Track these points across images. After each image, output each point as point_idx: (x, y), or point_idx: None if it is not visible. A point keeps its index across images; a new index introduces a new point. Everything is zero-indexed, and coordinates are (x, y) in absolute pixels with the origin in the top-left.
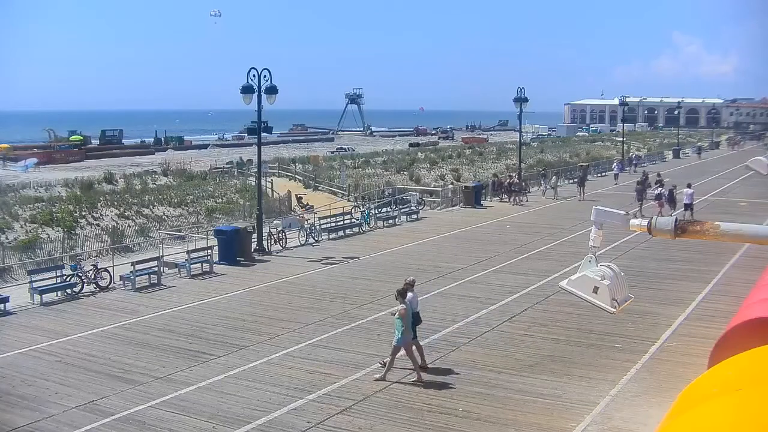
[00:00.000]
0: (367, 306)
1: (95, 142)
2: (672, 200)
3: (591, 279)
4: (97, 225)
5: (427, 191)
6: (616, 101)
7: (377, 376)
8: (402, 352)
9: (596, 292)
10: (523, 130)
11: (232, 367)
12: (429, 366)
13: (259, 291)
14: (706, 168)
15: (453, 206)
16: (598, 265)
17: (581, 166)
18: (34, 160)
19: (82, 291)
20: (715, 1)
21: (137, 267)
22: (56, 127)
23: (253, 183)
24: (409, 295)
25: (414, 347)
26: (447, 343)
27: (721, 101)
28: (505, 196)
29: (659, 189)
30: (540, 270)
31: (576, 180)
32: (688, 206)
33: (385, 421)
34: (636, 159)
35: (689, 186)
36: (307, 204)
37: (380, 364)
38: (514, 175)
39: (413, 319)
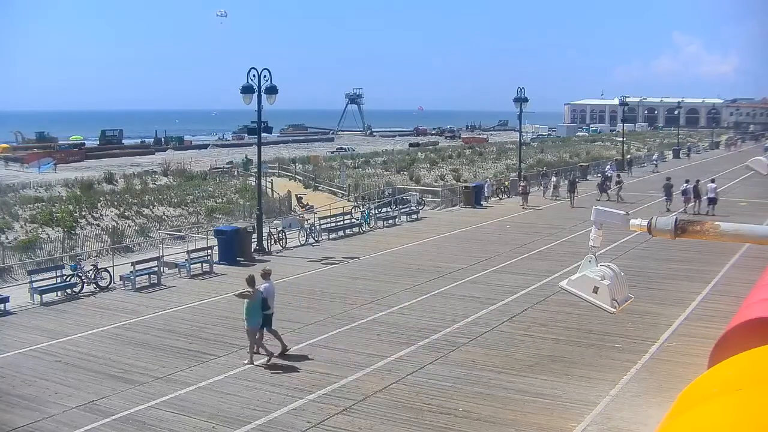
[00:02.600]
0: (367, 306)
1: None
2: (698, 195)
3: (591, 279)
4: (97, 225)
5: (428, 191)
6: (616, 101)
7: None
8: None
9: (596, 292)
10: (523, 130)
11: (232, 367)
12: (290, 352)
13: None
14: (706, 168)
15: (453, 206)
16: (598, 265)
17: (581, 166)
18: (51, 160)
19: (82, 291)
20: (715, 1)
21: (137, 267)
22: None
23: (253, 183)
24: (266, 284)
25: (271, 335)
26: (447, 343)
27: (721, 101)
28: (505, 195)
29: (684, 185)
30: (540, 270)
31: (567, 185)
32: (712, 201)
33: (385, 421)
34: (629, 162)
35: (713, 181)
36: (307, 204)
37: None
38: (511, 175)
39: (261, 306)
